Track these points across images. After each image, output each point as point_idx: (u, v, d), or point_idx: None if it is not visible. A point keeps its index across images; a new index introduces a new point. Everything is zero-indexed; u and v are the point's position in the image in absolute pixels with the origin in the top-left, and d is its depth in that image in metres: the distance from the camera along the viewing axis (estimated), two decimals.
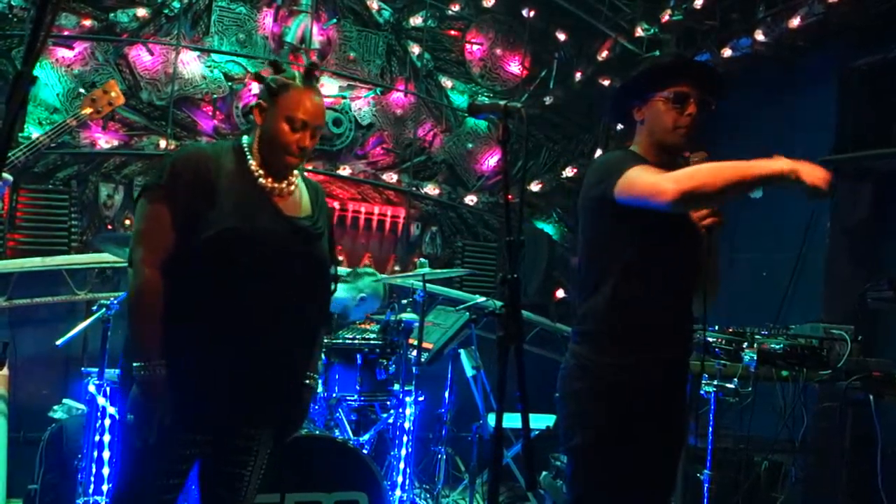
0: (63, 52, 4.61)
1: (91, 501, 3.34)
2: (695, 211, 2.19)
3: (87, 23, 4.66)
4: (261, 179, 2.17)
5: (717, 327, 3.77)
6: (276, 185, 2.19)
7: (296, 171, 2.27)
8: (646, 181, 2.08)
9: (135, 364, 2.03)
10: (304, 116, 2.13)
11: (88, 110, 3.12)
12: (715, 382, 3.48)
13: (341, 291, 4.24)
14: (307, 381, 2.34)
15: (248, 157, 2.19)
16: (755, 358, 3.44)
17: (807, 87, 5.03)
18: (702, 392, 3.51)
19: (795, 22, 4.66)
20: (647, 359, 2.19)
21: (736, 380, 3.49)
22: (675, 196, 1.99)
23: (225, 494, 2.22)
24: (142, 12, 4.79)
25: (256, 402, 2.15)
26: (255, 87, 5.07)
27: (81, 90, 4.59)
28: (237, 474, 2.20)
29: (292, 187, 2.24)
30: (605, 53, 5.92)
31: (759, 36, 4.93)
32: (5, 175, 2.79)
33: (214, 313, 2.07)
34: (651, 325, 2.20)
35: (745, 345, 3.53)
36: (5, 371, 4.03)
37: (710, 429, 3.47)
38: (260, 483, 2.27)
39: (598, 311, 2.23)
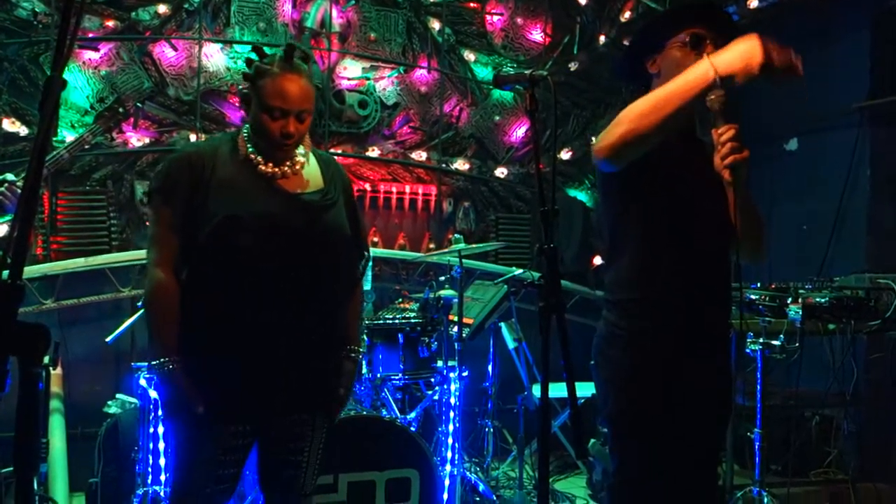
0: (89, 55, 4.67)
1: (150, 491, 3.43)
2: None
3: (111, 23, 4.71)
4: (260, 166, 2.16)
5: (759, 284, 3.72)
6: (276, 169, 2.17)
7: (300, 150, 2.24)
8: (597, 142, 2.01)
9: (152, 362, 2.08)
10: (280, 104, 2.09)
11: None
12: (760, 340, 3.45)
13: None
14: (350, 354, 2.34)
15: (247, 145, 2.18)
16: (800, 313, 3.39)
17: (839, 33, 4.90)
18: (747, 350, 3.48)
19: None
20: (675, 323, 2.12)
21: (782, 336, 3.45)
22: (605, 154, 1.93)
23: (284, 483, 2.24)
24: (162, 9, 4.82)
25: (289, 386, 2.15)
26: None
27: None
28: (293, 461, 2.23)
29: (298, 167, 2.21)
30: (627, 14, 5.82)
31: None
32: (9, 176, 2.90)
33: (230, 304, 2.08)
34: (675, 289, 2.12)
35: (789, 300, 3.48)
36: (59, 370, 4.14)
37: (759, 387, 3.44)
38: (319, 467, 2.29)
39: (622, 280, 2.19)
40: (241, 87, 2.19)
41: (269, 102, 2.09)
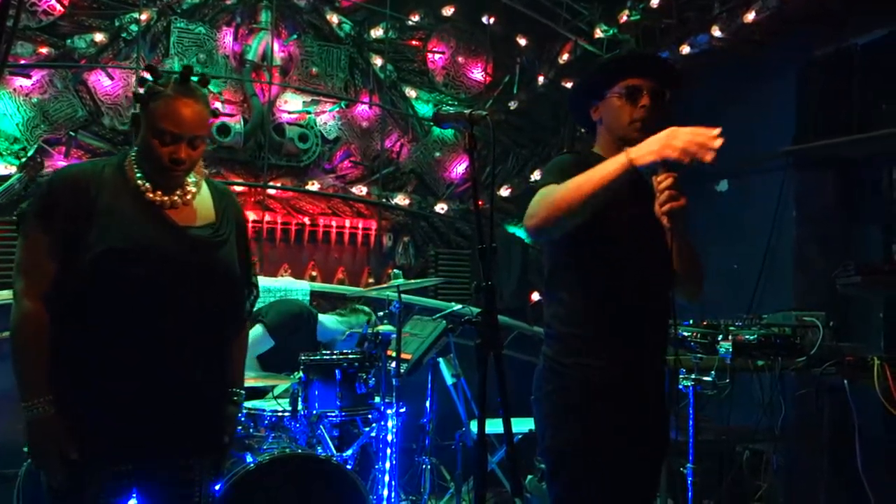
0: (21, 82, 4.55)
1: None
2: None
3: (44, 50, 4.60)
4: (148, 194, 2.03)
5: (691, 321, 3.81)
6: (165, 197, 2.04)
7: (191, 178, 2.11)
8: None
9: (22, 404, 1.92)
10: (171, 128, 1.96)
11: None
12: (692, 376, 3.52)
13: (334, 323, 4.26)
14: (234, 398, 2.24)
15: (135, 170, 2.04)
16: (731, 350, 3.47)
17: (767, 80, 5.11)
18: (680, 386, 3.54)
19: (751, 16, 4.74)
20: (615, 359, 2.15)
21: (713, 372, 3.53)
22: (530, 232, 2.07)
23: None
24: (99, 37, 4.74)
25: (167, 427, 2.01)
26: (219, 106, 5.05)
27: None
28: None
29: (188, 196, 2.09)
30: (566, 56, 5.96)
31: (717, 32, 5.00)
32: None
33: (108, 338, 1.95)
34: (615, 326, 2.16)
35: (720, 337, 3.56)
36: None
37: (691, 422, 3.50)
38: None
39: (562, 315, 2.21)
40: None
41: (160, 126, 1.96)
